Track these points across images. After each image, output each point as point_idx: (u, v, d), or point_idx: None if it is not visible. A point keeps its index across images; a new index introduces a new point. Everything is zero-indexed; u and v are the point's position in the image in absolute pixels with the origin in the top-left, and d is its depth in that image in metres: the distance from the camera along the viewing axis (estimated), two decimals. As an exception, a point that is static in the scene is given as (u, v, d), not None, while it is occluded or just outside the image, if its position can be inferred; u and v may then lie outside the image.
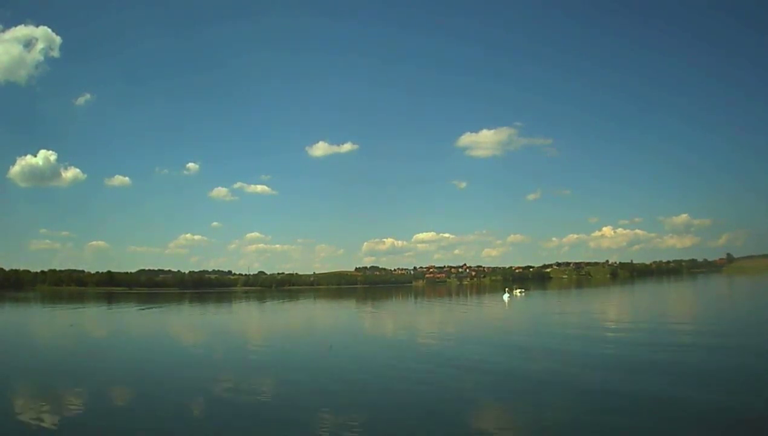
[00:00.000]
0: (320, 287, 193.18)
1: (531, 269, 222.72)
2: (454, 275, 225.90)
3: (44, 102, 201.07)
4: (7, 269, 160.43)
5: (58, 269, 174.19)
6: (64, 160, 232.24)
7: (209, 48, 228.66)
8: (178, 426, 11.68)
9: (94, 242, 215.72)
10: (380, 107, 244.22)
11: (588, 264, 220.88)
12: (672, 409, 11.64)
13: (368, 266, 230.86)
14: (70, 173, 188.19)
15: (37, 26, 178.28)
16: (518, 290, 76.48)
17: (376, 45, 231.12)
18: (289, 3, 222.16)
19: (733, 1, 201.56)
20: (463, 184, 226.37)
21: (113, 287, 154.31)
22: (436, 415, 12.10)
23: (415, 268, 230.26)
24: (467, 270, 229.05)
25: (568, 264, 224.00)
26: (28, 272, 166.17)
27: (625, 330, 28.58)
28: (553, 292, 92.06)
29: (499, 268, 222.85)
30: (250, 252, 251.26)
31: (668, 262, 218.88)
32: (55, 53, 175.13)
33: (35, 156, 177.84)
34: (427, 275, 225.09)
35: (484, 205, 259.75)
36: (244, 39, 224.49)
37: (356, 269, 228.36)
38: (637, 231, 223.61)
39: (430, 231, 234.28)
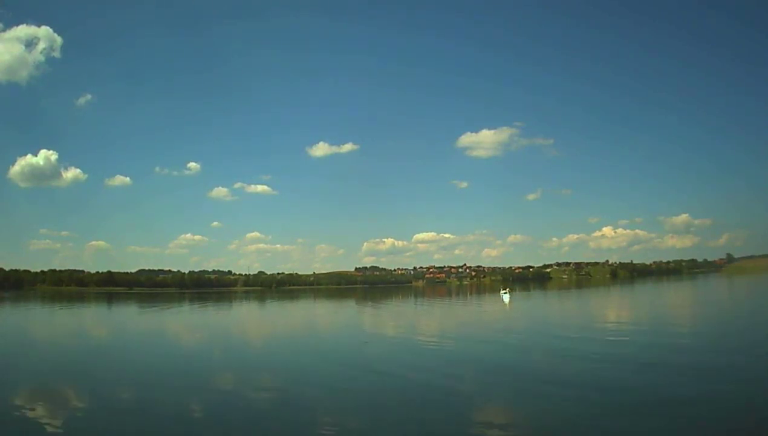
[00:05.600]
0: (320, 287, 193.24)
1: (531, 269, 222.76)
2: (454, 275, 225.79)
3: (45, 102, 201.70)
4: (7, 269, 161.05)
5: (58, 269, 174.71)
6: (64, 160, 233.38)
7: (209, 48, 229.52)
8: (178, 427, 11.71)
9: (94, 242, 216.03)
10: (380, 107, 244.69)
11: (588, 264, 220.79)
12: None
13: (368, 266, 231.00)
14: (71, 173, 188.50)
15: (38, 26, 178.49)
16: (504, 291, 73.09)
17: (376, 45, 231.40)
18: (290, 3, 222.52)
19: (733, 1, 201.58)
20: (464, 184, 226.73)
21: (113, 287, 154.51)
22: (437, 416, 12.14)
23: (415, 268, 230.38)
24: (467, 270, 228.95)
25: (568, 264, 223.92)
26: (28, 272, 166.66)
27: (625, 342, 28.46)
28: (552, 292, 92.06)
29: (499, 268, 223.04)
30: (250, 252, 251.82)
31: (668, 262, 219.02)
32: (56, 53, 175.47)
33: (36, 156, 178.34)
34: (427, 275, 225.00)
35: (484, 205, 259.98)
36: (244, 39, 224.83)
37: (356, 269, 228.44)
38: (637, 231, 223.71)
39: (430, 231, 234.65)
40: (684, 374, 15.10)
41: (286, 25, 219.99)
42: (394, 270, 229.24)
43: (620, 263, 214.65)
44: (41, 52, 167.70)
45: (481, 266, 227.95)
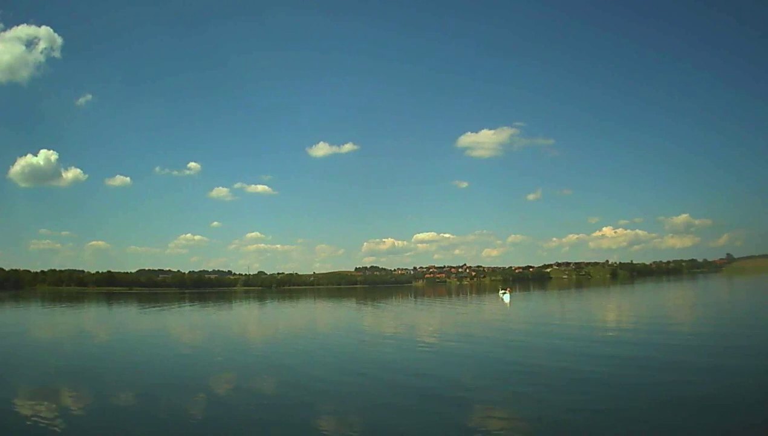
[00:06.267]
0: (320, 287, 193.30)
1: (531, 269, 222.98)
2: (454, 275, 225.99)
3: (45, 102, 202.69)
4: (7, 269, 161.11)
5: (58, 269, 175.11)
6: (65, 160, 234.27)
7: (210, 48, 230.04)
8: (178, 427, 11.70)
9: (94, 242, 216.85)
10: (380, 107, 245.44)
11: (588, 264, 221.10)
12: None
13: (368, 266, 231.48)
14: (71, 173, 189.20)
15: (39, 26, 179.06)
16: (501, 291, 71.46)
17: (376, 45, 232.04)
18: (290, 3, 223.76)
19: (733, 1, 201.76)
20: (464, 184, 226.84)
21: (113, 287, 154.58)
22: (436, 417, 12.12)
23: (415, 268, 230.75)
24: (467, 270, 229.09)
25: (568, 264, 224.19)
26: (28, 272, 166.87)
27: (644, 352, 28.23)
28: (553, 292, 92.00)
29: (499, 268, 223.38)
30: (250, 252, 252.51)
31: (668, 262, 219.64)
32: (57, 54, 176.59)
33: (36, 156, 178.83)
34: (427, 275, 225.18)
35: (484, 205, 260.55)
36: (244, 39, 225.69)
37: (356, 269, 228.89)
38: (637, 231, 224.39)
39: (430, 231, 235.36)
40: (685, 375, 15.10)
41: (287, 24, 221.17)
42: (394, 270, 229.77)
43: (620, 263, 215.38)
44: (41, 52, 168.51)
45: (481, 266, 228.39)
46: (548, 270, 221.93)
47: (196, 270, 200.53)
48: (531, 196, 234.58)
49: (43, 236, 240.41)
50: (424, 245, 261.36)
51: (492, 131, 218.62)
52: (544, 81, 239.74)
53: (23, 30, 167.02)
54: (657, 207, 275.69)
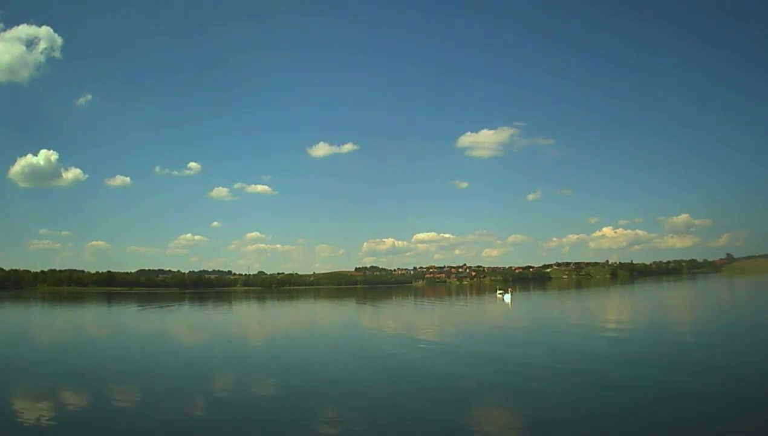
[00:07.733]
0: (320, 287, 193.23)
1: (531, 269, 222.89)
2: (454, 275, 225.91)
3: (45, 102, 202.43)
4: (7, 269, 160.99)
5: (58, 269, 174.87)
6: (64, 160, 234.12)
7: (210, 48, 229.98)
8: (178, 427, 11.66)
9: (94, 242, 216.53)
10: (380, 107, 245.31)
11: (588, 264, 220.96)
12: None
13: (368, 266, 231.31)
14: (71, 173, 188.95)
15: (39, 26, 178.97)
16: (500, 292, 70.96)
17: (376, 45, 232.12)
18: (290, 3, 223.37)
19: (733, 1, 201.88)
20: (464, 184, 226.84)
21: (113, 287, 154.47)
22: (438, 418, 12.09)
23: (415, 268, 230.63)
24: (467, 270, 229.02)
25: (568, 264, 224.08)
26: (28, 272, 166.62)
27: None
28: (553, 292, 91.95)
29: (499, 268, 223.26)
30: (250, 252, 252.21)
31: (668, 262, 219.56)
32: (57, 53, 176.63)
33: (36, 156, 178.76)
34: (427, 275, 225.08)
35: (484, 205, 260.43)
36: (244, 39, 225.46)
37: (356, 269, 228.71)
38: (637, 231, 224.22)
39: (430, 231, 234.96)
40: (688, 375, 15.06)
41: (287, 24, 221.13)
42: (394, 270, 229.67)
43: (620, 263, 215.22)
44: (42, 52, 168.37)
45: (481, 266, 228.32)
46: (548, 270, 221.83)
47: (196, 270, 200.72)
48: (531, 196, 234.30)
49: (43, 236, 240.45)
50: (424, 245, 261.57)
51: (492, 131, 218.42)
52: (544, 81, 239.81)
53: (23, 30, 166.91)
54: (657, 207, 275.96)
